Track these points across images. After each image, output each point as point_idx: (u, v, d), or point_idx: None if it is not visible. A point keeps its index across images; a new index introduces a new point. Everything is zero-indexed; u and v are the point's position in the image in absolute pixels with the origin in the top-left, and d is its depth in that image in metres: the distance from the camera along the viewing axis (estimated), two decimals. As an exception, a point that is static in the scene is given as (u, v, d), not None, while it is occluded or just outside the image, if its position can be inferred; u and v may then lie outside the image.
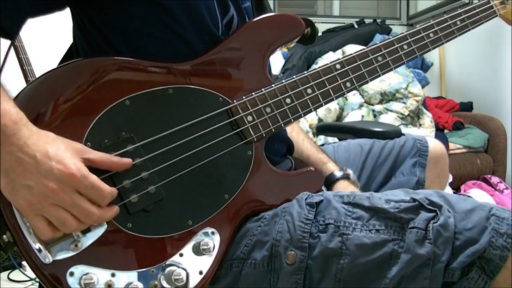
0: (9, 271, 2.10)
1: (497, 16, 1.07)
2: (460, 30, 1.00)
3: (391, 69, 0.91)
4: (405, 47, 0.92)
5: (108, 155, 0.65)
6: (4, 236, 0.59)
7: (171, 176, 0.70)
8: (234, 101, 0.78)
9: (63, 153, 0.61)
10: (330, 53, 2.80)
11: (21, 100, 0.65)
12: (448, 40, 0.99)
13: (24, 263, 2.08)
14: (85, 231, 0.62)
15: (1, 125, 0.58)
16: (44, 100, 0.66)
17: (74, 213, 0.60)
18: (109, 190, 0.63)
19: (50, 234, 0.61)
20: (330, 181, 0.93)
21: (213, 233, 0.71)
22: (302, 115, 0.82)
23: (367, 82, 0.89)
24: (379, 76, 0.90)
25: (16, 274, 2.08)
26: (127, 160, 0.66)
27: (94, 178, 0.62)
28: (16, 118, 0.59)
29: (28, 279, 2.01)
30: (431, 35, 0.95)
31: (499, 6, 1.06)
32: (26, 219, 0.60)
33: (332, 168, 0.96)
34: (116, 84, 0.71)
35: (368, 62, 0.88)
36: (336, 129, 1.40)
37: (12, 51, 1.96)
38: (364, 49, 0.89)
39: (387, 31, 3.09)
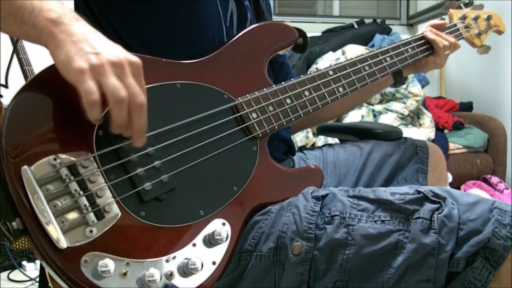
0: (9, 271, 2.11)
1: (463, 38, 1.22)
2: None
3: (377, 78, 1.00)
4: (387, 59, 1.02)
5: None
6: (14, 223, 0.57)
7: (182, 166, 0.71)
8: (239, 98, 0.81)
9: None
10: (330, 53, 2.80)
11: (29, 91, 0.65)
12: (425, 56, 1.12)
13: (24, 263, 2.09)
14: (99, 218, 0.62)
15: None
16: (53, 89, 0.65)
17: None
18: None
19: (96, 96, 0.59)
20: None
21: (224, 224, 0.72)
22: (302, 114, 0.87)
23: (357, 89, 0.96)
24: (367, 84, 0.98)
25: (16, 274, 2.08)
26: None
27: None
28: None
29: (28, 279, 2.01)
30: (410, 50, 1.08)
31: (464, 29, 1.22)
32: (79, 82, 0.59)
33: None
34: None
35: (356, 70, 0.97)
36: (336, 129, 1.39)
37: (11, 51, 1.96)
38: (352, 58, 0.98)
39: (387, 31, 3.09)
